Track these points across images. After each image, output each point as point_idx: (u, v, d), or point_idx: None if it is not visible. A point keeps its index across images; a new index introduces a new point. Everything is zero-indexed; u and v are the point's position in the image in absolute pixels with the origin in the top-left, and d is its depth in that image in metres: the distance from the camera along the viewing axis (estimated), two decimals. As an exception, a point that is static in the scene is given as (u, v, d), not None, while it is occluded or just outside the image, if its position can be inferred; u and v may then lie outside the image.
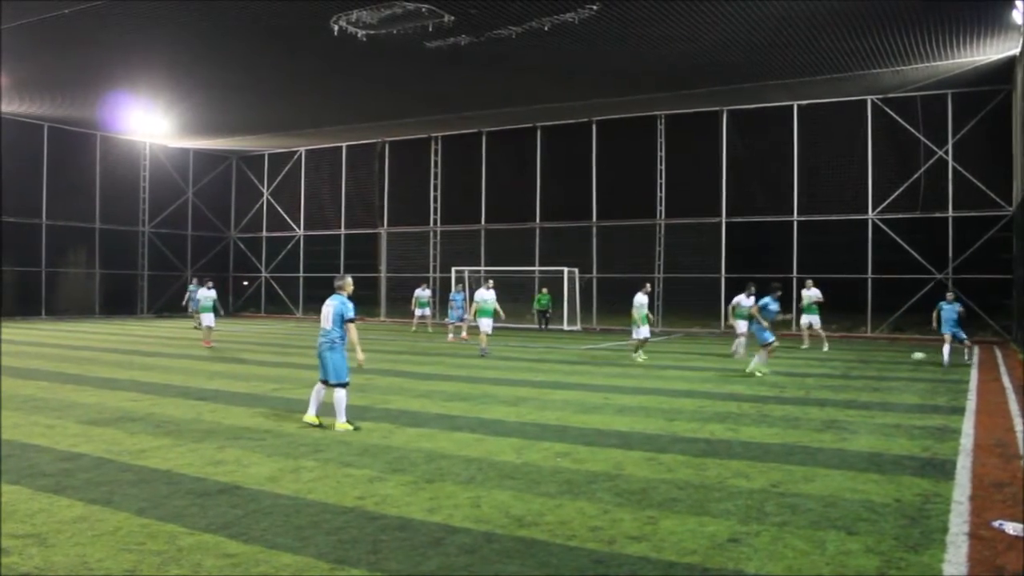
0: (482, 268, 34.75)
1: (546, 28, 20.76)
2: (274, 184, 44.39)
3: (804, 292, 24.36)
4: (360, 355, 10.46)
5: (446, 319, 29.42)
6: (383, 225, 40.39)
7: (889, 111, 29.12)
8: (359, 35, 21.52)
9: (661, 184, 33.33)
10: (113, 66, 26.30)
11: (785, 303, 20.48)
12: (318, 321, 10.81)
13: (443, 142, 38.93)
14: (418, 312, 31.61)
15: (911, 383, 15.89)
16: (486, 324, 21.52)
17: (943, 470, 8.28)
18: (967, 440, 9.94)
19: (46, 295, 37.15)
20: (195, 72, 27.22)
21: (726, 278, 31.69)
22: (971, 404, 13.05)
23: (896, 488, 7.51)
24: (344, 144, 41.16)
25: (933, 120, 28.46)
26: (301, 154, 43.11)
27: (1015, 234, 24.69)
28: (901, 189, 29.04)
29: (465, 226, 38.01)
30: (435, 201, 39.01)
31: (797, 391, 14.57)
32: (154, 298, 41.36)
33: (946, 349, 19.08)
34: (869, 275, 29.57)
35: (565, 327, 32.56)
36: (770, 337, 16.72)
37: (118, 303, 40.01)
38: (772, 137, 31.39)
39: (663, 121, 33.29)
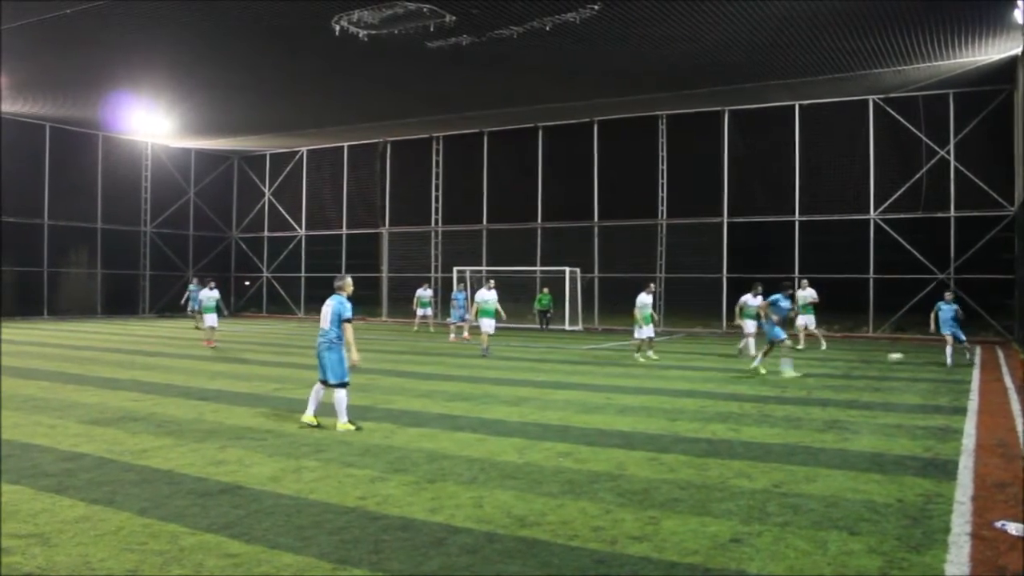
0: (483, 268, 34.76)
1: (547, 28, 20.76)
2: (276, 184, 44.40)
3: (799, 293, 24.21)
4: (355, 355, 10.44)
5: (448, 319, 29.45)
6: (385, 225, 40.40)
7: (891, 111, 29.11)
8: (360, 35, 21.52)
9: (663, 184, 33.33)
10: (115, 66, 26.32)
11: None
12: (319, 321, 10.82)
13: (445, 142, 38.94)
14: (420, 312, 31.63)
15: (913, 383, 15.88)
16: (487, 324, 21.50)
17: (945, 470, 8.27)
18: (969, 440, 9.93)
19: (48, 295, 37.19)
20: (197, 72, 27.24)
21: (728, 278, 31.69)
22: (973, 404, 13.04)
23: (898, 488, 7.50)
24: (346, 144, 41.18)
25: (935, 120, 28.45)
26: (303, 154, 43.13)
27: (1017, 234, 24.66)
28: (903, 189, 29.03)
29: (467, 226, 38.02)
30: (436, 201, 39.02)
31: (799, 391, 14.57)
32: (156, 298, 41.38)
33: (948, 350, 19.07)
34: (871, 275, 29.56)
35: (567, 327, 32.55)
36: (781, 334, 16.58)
37: (120, 303, 40.04)
38: (773, 137, 31.38)
39: (664, 121, 33.28)
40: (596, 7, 19.47)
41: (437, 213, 39.05)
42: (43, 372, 16.36)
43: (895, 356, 19.12)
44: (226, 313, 24.31)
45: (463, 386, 14.86)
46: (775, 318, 16.64)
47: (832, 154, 30.36)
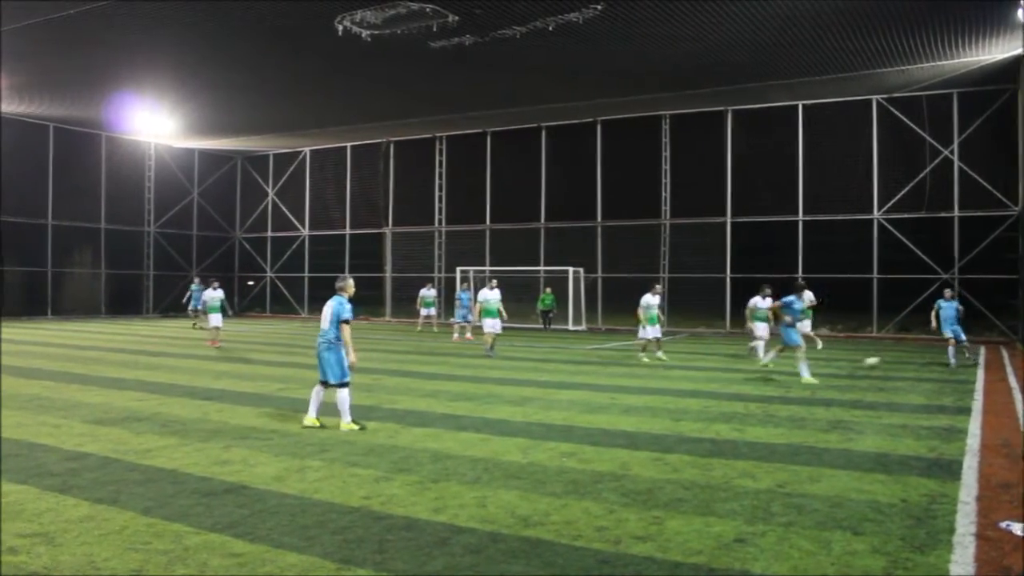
0: (487, 268, 34.76)
1: (550, 28, 20.77)
2: (279, 184, 44.46)
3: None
4: (351, 356, 10.43)
5: (451, 319, 29.47)
6: (388, 225, 40.43)
7: (894, 111, 29.08)
8: (363, 35, 21.54)
9: (666, 184, 33.32)
10: (118, 66, 26.39)
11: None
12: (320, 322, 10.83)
13: (448, 142, 38.96)
14: (423, 312, 31.64)
15: (917, 383, 15.87)
16: (490, 324, 21.48)
17: (950, 470, 8.26)
18: (974, 440, 9.91)
19: (52, 295, 37.29)
20: (200, 72, 27.28)
21: (731, 278, 31.70)
22: (977, 404, 13.03)
23: (902, 488, 7.49)
24: (349, 144, 41.22)
25: (938, 120, 28.42)
26: (306, 154, 43.17)
27: (1021, 234, 24.65)
28: (907, 189, 29.00)
29: (470, 226, 38.04)
30: (440, 201, 39.04)
31: (803, 391, 14.56)
32: (159, 298, 41.46)
33: (951, 351, 19.02)
34: (874, 275, 29.52)
35: (570, 327, 32.55)
36: (797, 339, 16.21)
37: (123, 303, 40.12)
38: (777, 137, 31.35)
39: (668, 121, 33.27)
40: (599, 7, 19.47)
41: (440, 213, 39.07)
42: (48, 372, 16.39)
43: (871, 360, 18.07)
44: (230, 313, 24.29)
45: (467, 386, 14.87)
46: (788, 319, 16.42)
47: (836, 154, 30.33)
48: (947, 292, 19.87)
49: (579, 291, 33.49)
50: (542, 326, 33.13)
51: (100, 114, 33.84)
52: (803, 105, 30.57)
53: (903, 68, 24.79)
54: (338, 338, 10.41)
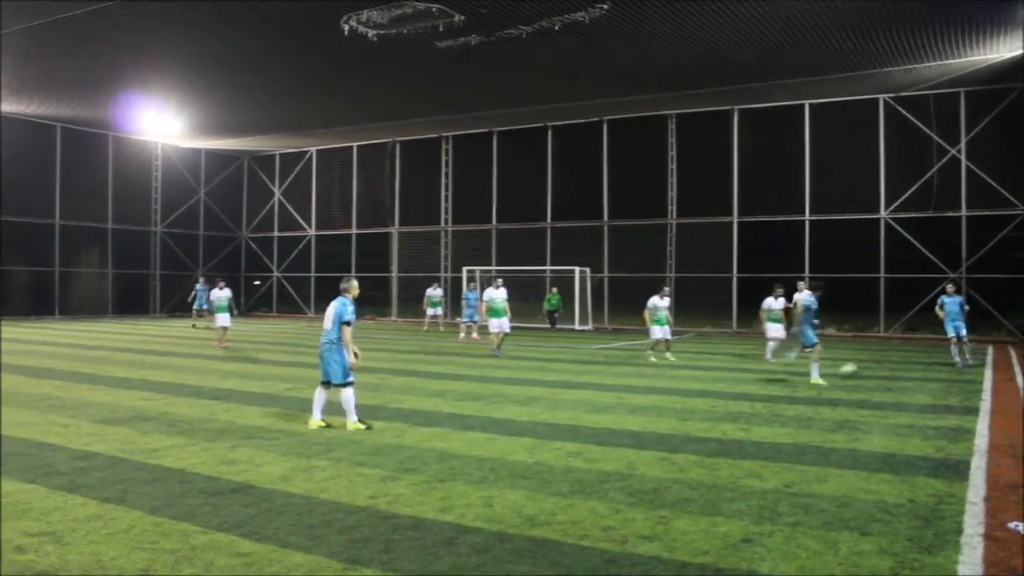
0: (493, 268, 34.75)
1: (557, 28, 20.76)
2: (285, 184, 44.54)
3: (796, 296, 23.61)
4: (351, 357, 10.43)
5: (458, 318, 29.48)
6: (394, 225, 40.47)
7: (901, 110, 29.00)
8: (369, 35, 21.56)
9: (672, 183, 33.28)
10: (125, 67, 26.46)
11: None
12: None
13: (454, 142, 38.98)
14: (430, 311, 31.65)
15: (924, 383, 15.82)
16: (496, 324, 21.46)
17: (957, 471, 8.23)
18: (981, 441, 9.88)
19: (59, 295, 37.38)
20: (206, 73, 27.34)
21: (738, 278, 31.66)
22: (985, 404, 12.98)
23: (910, 489, 7.47)
24: (355, 144, 41.28)
25: (946, 119, 28.33)
26: (312, 154, 43.23)
27: (1029, 233, 24.58)
28: (914, 188, 28.93)
29: (476, 226, 38.04)
30: (446, 201, 39.06)
31: (809, 391, 14.53)
32: (166, 298, 41.55)
33: (954, 350, 18.83)
34: (881, 274, 29.44)
35: (576, 327, 32.53)
36: (814, 338, 16.08)
37: (131, 303, 40.22)
38: (783, 136, 31.31)
39: (674, 120, 33.24)
40: (605, 6, 19.45)
41: (446, 213, 39.09)
42: (57, 372, 16.44)
43: (847, 369, 16.98)
44: (235, 313, 24.34)
45: (473, 386, 14.87)
46: (800, 320, 16.30)
47: (842, 153, 30.25)
48: (949, 287, 19.52)
49: (585, 290, 33.47)
50: (548, 326, 33.11)
51: (107, 114, 33.91)
52: (809, 104, 30.51)
53: (910, 67, 24.73)
54: (339, 338, 10.44)
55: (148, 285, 41.30)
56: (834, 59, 23.91)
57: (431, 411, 11.84)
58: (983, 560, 5.54)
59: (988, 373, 17.65)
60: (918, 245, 28.61)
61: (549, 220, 36.12)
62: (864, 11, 19.73)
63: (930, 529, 6.24)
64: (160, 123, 35.06)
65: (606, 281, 34.49)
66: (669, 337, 20.10)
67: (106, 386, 14.36)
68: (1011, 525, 6.30)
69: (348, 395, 10.36)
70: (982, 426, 10.91)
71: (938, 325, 19.66)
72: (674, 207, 33.28)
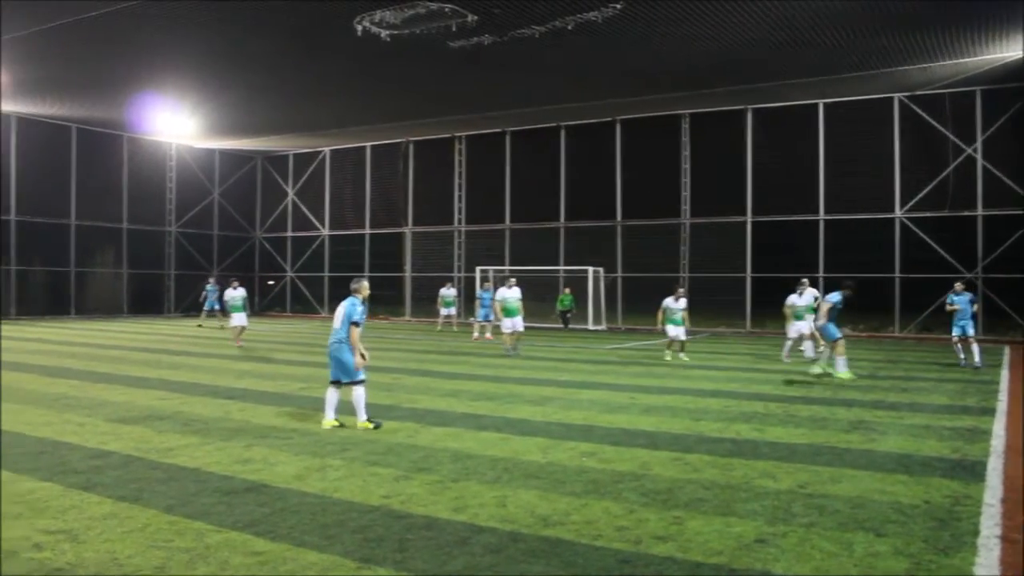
0: (506, 267, 34.74)
1: (569, 27, 20.74)
2: (299, 184, 44.66)
3: (793, 297, 23.23)
4: (358, 358, 10.46)
5: (471, 318, 29.50)
6: (407, 225, 40.52)
7: (916, 109, 28.81)
8: (383, 35, 21.60)
9: (686, 183, 33.19)
10: (139, 68, 26.59)
11: (782, 305, 20.37)
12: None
13: (467, 141, 39.00)
14: (443, 311, 31.69)
15: (940, 383, 15.72)
16: (509, 324, 21.46)
17: (973, 472, 8.18)
18: (998, 442, 9.81)
19: (75, 295, 37.62)
20: (220, 73, 27.46)
21: (752, 277, 31.55)
22: (1002, 405, 12.90)
23: (925, 490, 7.43)
24: (368, 144, 41.34)
25: (962, 117, 28.11)
26: (325, 154, 43.34)
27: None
28: (929, 187, 28.72)
29: (489, 225, 38.03)
30: (459, 201, 39.08)
31: (824, 391, 14.46)
32: (181, 297, 41.72)
33: (974, 348, 18.63)
34: (896, 274, 29.27)
35: (590, 327, 32.49)
36: (837, 333, 16.10)
37: (146, 303, 40.42)
38: (798, 135, 31.13)
39: (687, 120, 33.13)
40: (619, 6, 19.42)
41: (460, 213, 39.11)
42: (73, 371, 16.55)
43: (817, 369, 16.47)
44: (248, 312, 24.43)
45: (487, 385, 14.88)
46: (825, 319, 16.23)
47: (857, 152, 30.05)
48: (957, 285, 19.19)
49: (599, 290, 33.42)
50: (561, 326, 33.08)
51: (122, 115, 34.10)
52: (824, 104, 30.36)
53: (925, 66, 24.58)
54: (349, 338, 10.48)
55: (163, 285, 41.51)
56: (848, 58, 23.79)
57: (445, 411, 11.86)
58: (1000, 562, 5.50)
59: (1005, 373, 17.52)
60: (933, 245, 28.42)
61: (562, 220, 36.09)
62: (878, 10, 19.62)
63: (946, 531, 6.20)
64: (174, 124, 35.22)
65: (619, 281, 34.43)
66: (683, 337, 20.06)
67: (121, 385, 14.44)
68: (1028, 527, 6.25)
69: (359, 394, 10.41)
70: (999, 427, 10.83)
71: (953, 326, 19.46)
72: (687, 207, 33.19)
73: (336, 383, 10.57)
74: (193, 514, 6.47)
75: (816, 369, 16.39)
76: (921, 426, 10.84)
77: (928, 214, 28.76)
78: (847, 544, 5.87)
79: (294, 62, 25.76)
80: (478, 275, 34.59)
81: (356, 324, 10.42)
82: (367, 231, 41.77)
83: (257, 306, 43.75)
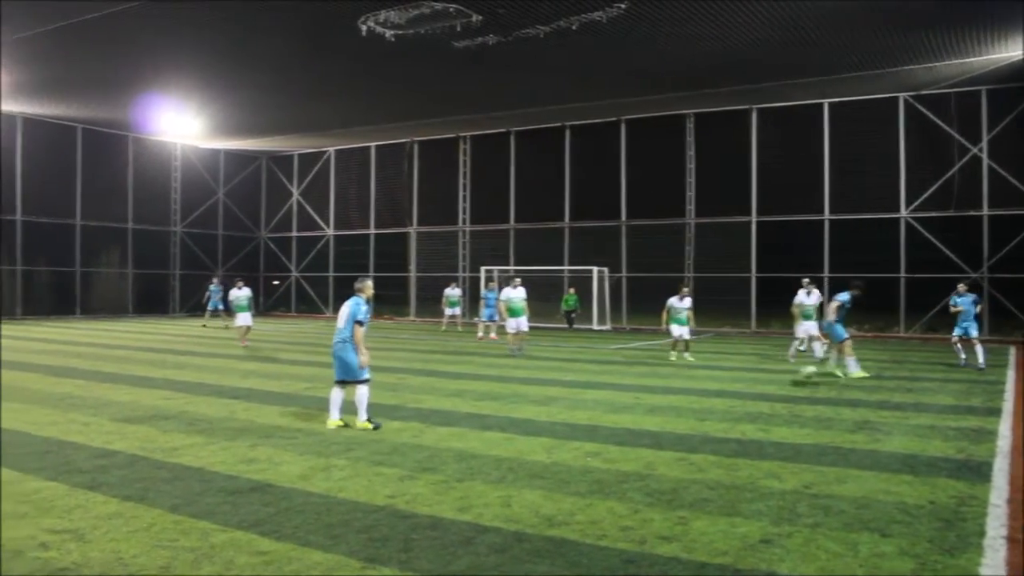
0: (511, 267, 34.75)
1: (574, 27, 20.73)
2: (304, 184, 44.70)
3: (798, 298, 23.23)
4: (362, 357, 10.47)
5: (476, 318, 29.50)
6: (412, 225, 40.53)
7: (922, 108, 28.75)
8: (387, 35, 21.60)
9: (691, 183, 33.16)
10: (144, 68, 26.65)
11: (786, 305, 20.34)
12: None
13: (472, 142, 39.00)
14: (448, 311, 31.71)
15: (945, 384, 15.68)
16: (512, 324, 21.45)
17: (979, 472, 8.16)
18: (1004, 442, 9.79)
19: (80, 295, 37.70)
20: (225, 73, 27.50)
21: (756, 277, 31.51)
22: (1007, 405, 12.86)
23: (931, 490, 7.41)
24: (373, 144, 41.35)
25: (967, 117, 28.05)
26: (330, 154, 43.36)
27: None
28: (934, 187, 28.66)
29: (494, 225, 38.03)
30: (464, 201, 39.08)
31: (829, 391, 14.44)
32: (186, 298, 41.77)
33: (958, 348, 18.59)
34: (902, 274, 29.21)
35: (595, 327, 32.47)
36: (844, 333, 16.17)
37: (151, 302, 40.51)
38: (802, 135, 31.07)
39: (692, 120, 33.10)
40: (623, 6, 19.41)
41: (464, 213, 39.11)
42: (78, 371, 16.59)
43: (810, 370, 16.02)
44: (252, 312, 24.44)
45: (492, 385, 14.88)
46: (834, 317, 16.23)
47: (862, 152, 30.00)
48: (960, 286, 19.05)
49: (603, 290, 33.40)
50: (566, 326, 33.07)
51: (127, 115, 34.21)
52: (828, 103, 30.31)
53: (931, 65, 24.52)
54: (353, 337, 10.50)
55: (168, 285, 41.59)
56: (853, 57, 23.76)
57: (449, 411, 11.86)
58: (1006, 563, 5.49)
59: (1010, 374, 17.47)
60: (939, 245, 28.35)
61: (567, 220, 36.07)
62: (883, 9, 19.59)
63: (952, 531, 6.19)
64: (179, 124, 35.31)
65: (624, 281, 34.40)
66: (687, 337, 20.03)
67: (127, 385, 14.47)
68: (1034, 527, 6.24)
69: (362, 393, 10.42)
70: (1004, 427, 10.81)
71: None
72: (692, 207, 33.15)
73: (341, 383, 10.59)
74: (198, 514, 6.48)
75: (810, 368, 16.27)
76: (926, 426, 10.82)
77: (933, 214, 28.70)
78: (852, 544, 5.86)
79: (299, 62, 25.79)
80: (483, 275, 34.55)
81: (360, 323, 10.44)
82: (372, 231, 41.79)
83: (262, 306, 43.76)
